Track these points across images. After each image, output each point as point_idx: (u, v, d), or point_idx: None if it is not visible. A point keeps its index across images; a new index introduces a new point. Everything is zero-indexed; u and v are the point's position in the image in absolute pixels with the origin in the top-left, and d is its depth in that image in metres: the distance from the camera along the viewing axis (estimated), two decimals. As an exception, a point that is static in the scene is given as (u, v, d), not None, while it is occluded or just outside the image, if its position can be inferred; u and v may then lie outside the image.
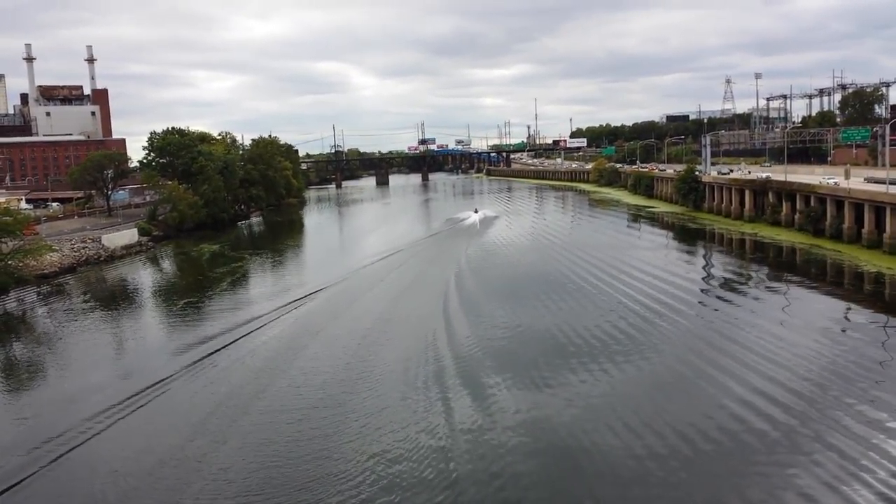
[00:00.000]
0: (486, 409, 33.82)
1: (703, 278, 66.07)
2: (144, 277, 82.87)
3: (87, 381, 41.64)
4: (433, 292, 62.54)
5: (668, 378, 37.42)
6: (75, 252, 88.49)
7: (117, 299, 69.32)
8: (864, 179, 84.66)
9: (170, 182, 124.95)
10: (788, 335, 43.86)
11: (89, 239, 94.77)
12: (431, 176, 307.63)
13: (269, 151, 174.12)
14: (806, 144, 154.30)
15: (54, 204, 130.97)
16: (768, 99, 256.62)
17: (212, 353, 45.95)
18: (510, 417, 32.71)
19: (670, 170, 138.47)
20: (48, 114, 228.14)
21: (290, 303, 60.54)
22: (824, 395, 33.43)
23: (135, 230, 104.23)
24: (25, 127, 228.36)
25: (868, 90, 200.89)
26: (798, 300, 54.54)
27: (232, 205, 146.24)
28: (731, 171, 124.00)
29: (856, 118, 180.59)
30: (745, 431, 30.02)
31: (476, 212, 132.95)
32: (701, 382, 36.43)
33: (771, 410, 31.96)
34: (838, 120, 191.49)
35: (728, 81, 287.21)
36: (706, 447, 28.87)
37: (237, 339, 49.23)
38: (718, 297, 55.75)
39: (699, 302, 54.60)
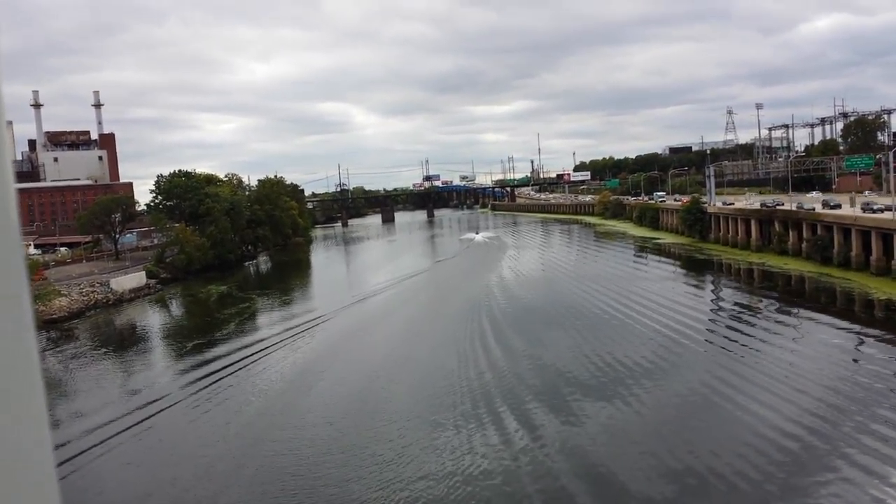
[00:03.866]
0: (511, 448, 33.52)
1: (713, 308, 65.85)
2: (153, 320, 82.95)
3: (91, 422, 41.48)
4: (445, 325, 62.57)
5: (683, 408, 37.15)
6: (84, 296, 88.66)
7: (125, 343, 69.35)
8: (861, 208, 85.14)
9: (177, 224, 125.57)
10: (801, 363, 43.56)
11: (97, 283, 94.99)
12: (437, 212, 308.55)
13: (275, 192, 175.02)
14: (810, 173, 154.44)
15: (62, 248, 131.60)
16: (770, 129, 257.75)
17: (219, 394, 45.89)
18: (536, 454, 32.46)
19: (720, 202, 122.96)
20: (56, 159, 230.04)
21: (299, 341, 60.59)
22: (842, 420, 33.18)
23: (143, 273, 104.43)
24: (33, 173, 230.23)
25: (870, 118, 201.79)
26: (809, 329, 54.26)
27: (239, 245, 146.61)
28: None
29: (859, 146, 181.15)
30: (769, 453, 30.18)
31: (477, 233, 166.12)
32: (718, 409, 36.19)
33: (792, 435, 32.00)
34: (841, 148, 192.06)
35: (730, 112, 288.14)
36: (731, 470, 28.76)
37: (245, 381, 49.18)
38: (730, 327, 55.48)
39: (710, 331, 54.34)
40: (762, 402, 36.80)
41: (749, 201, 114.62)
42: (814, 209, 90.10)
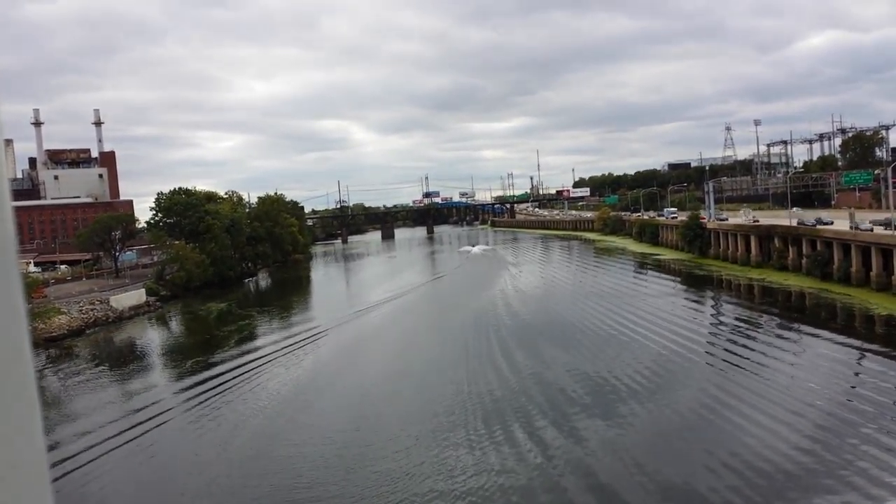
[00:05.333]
0: (512, 465, 33.44)
1: (714, 324, 65.75)
2: (152, 338, 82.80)
3: (88, 439, 41.32)
4: (446, 340, 62.56)
5: (684, 423, 37.02)
6: (83, 314, 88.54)
7: (125, 360, 69.18)
8: (870, 222, 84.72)
9: (177, 242, 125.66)
10: (802, 379, 43.48)
11: (97, 300, 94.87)
12: (437, 228, 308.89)
13: (275, 209, 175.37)
14: (809, 189, 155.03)
15: (62, 266, 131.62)
16: (769, 145, 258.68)
17: (218, 411, 45.75)
18: (536, 468, 32.33)
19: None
20: (56, 177, 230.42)
21: (299, 358, 60.55)
22: (842, 435, 33.11)
23: (142, 290, 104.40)
24: (34, 191, 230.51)
25: (868, 133, 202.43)
26: (810, 345, 54.11)
27: (239, 262, 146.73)
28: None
29: (857, 162, 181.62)
30: (770, 467, 30.16)
31: (474, 246, 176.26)
32: (718, 425, 36.05)
33: (793, 449, 32.02)
34: (840, 164, 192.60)
35: (728, 129, 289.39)
36: (731, 484, 28.73)
37: (244, 398, 49.01)
38: (731, 343, 55.32)
39: (711, 347, 54.19)
40: (763, 417, 36.67)
41: (747, 217, 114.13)
42: (872, 230, 76.97)
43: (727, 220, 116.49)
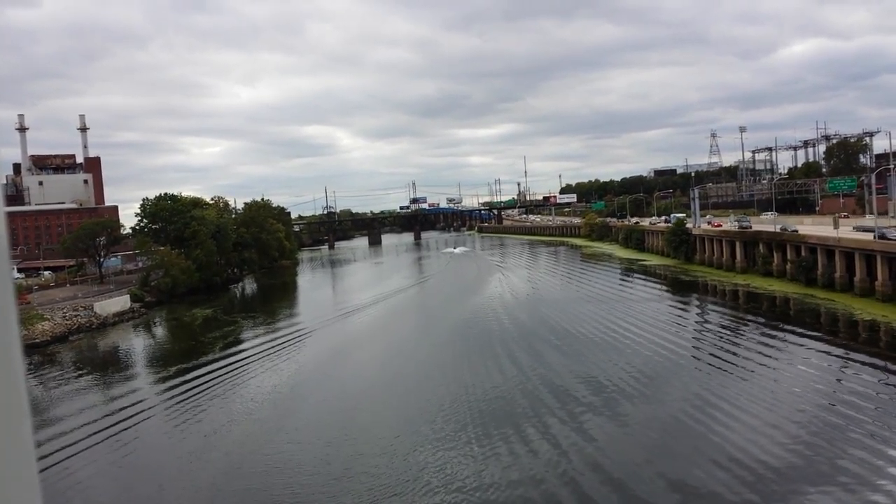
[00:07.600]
0: (501, 469, 33.36)
1: (698, 329, 65.86)
2: (136, 344, 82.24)
3: (69, 447, 40.95)
4: (430, 342, 62.40)
5: (666, 429, 37.05)
6: (67, 320, 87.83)
7: (108, 367, 68.69)
8: (853, 228, 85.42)
9: (162, 248, 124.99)
10: (786, 383, 43.69)
11: (81, 307, 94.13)
12: (424, 234, 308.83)
13: (262, 215, 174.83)
14: (793, 195, 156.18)
15: (46, 272, 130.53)
16: (754, 151, 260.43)
17: (202, 418, 45.44)
18: (526, 473, 32.27)
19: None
20: (41, 183, 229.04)
21: (284, 364, 60.23)
22: (825, 437, 33.24)
23: (127, 297, 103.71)
24: (18, 196, 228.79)
25: (852, 140, 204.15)
26: (794, 349, 54.33)
27: (225, 268, 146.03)
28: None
29: (841, 168, 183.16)
30: (750, 472, 30.10)
31: (455, 248, 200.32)
32: (701, 429, 36.10)
33: (774, 451, 32.02)
34: (824, 170, 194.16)
35: (713, 135, 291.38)
36: (712, 488, 28.59)
37: (228, 405, 48.74)
38: (715, 347, 55.47)
39: (696, 352, 54.30)
40: (746, 422, 36.80)
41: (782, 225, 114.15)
42: None
43: (751, 226, 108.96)
